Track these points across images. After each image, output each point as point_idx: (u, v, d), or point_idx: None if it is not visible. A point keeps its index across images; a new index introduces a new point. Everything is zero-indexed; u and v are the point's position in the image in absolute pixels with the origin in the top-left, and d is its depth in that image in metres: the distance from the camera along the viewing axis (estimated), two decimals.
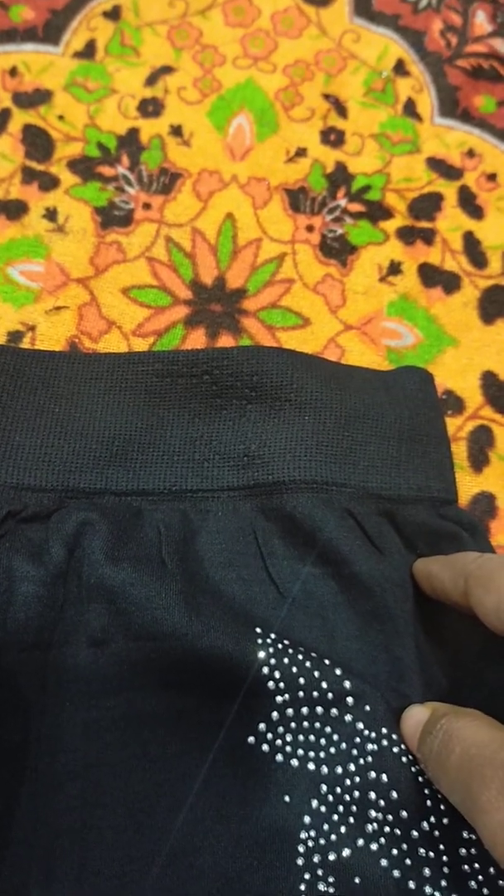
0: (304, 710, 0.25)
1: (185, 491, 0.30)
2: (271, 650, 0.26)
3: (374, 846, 0.23)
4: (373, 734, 0.25)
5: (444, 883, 0.23)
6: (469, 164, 0.43)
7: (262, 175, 0.41)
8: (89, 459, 0.30)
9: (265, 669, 0.26)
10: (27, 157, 0.40)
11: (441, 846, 0.23)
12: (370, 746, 0.25)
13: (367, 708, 0.25)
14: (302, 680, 0.26)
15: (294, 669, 0.26)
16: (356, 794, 0.24)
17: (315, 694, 0.26)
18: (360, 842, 0.24)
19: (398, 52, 0.46)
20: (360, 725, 0.25)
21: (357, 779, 0.24)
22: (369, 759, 0.25)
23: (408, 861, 0.23)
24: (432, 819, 0.24)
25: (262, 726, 0.25)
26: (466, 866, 0.23)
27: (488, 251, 0.40)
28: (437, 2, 0.48)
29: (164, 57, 0.44)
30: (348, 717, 0.25)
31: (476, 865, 0.23)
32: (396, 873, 0.23)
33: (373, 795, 0.24)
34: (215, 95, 0.43)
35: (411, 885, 0.23)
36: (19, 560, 0.27)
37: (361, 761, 0.25)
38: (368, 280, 0.39)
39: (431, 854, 0.23)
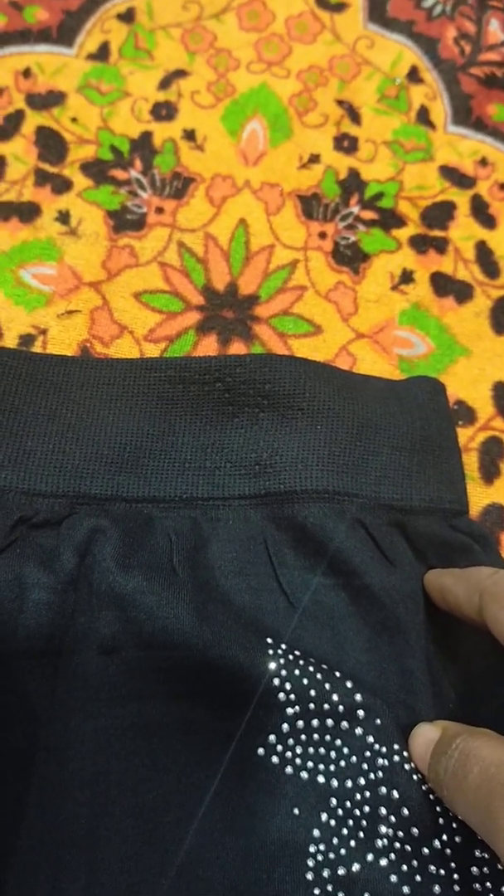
0: (315, 722, 0.25)
1: (197, 499, 0.30)
2: (282, 661, 0.26)
3: (383, 862, 0.23)
4: (384, 749, 0.25)
5: None
6: (482, 172, 0.43)
7: (275, 181, 0.41)
8: (101, 465, 0.30)
9: (275, 681, 0.25)
10: (40, 160, 0.40)
11: (452, 864, 0.23)
12: (381, 761, 0.25)
13: (378, 722, 0.25)
14: (312, 692, 0.25)
15: (304, 681, 0.26)
16: (366, 808, 0.24)
17: (325, 706, 0.25)
18: (370, 857, 0.23)
19: (412, 58, 0.46)
20: (371, 739, 0.25)
21: (367, 793, 0.24)
22: (380, 773, 0.24)
23: (418, 878, 0.23)
24: (444, 837, 0.24)
25: (271, 738, 0.25)
26: (478, 885, 0.23)
27: (501, 261, 0.40)
28: (452, 9, 0.48)
29: (177, 60, 0.44)
30: (359, 731, 0.25)
31: (488, 885, 0.23)
32: (406, 889, 0.23)
33: (383, 811, 0.24)
34: (229, 100, 0.43)
35: None
36: (30, 567, 0.27)
37: (372, 776, 0.24)
38: (381, 288, 0.39)
39: (442, 872, 0.23)
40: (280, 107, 0.43)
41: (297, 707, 0.25)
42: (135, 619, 0.26)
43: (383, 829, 0.24)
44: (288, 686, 0.25)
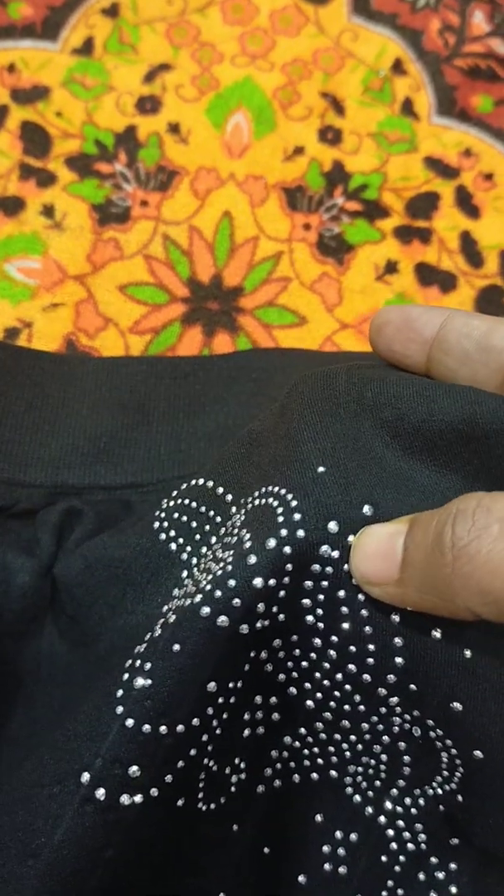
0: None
1: (172, 479, 0.31)
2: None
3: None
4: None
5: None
6: (466, 163, 0.43)
7: (259, 173, 0.41)
8: (77, 457, 0.30)
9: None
10: (25, 154, 0.40)
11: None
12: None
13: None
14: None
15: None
16: None
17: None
18: None
19: (396, 51, 0.46)
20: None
21: None
22: None
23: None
24: None
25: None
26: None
27: (484, 251, 0.40)
28: (436, 1, 0.48)
29: (162, 54, 0.44)
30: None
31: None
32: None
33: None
34: (213, 93, 0.43)
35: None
36: (13, 554, 0.27)
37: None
38: (365, 279, 0.39)
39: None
40: (264, 99, 0.43)
41: None
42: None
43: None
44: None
